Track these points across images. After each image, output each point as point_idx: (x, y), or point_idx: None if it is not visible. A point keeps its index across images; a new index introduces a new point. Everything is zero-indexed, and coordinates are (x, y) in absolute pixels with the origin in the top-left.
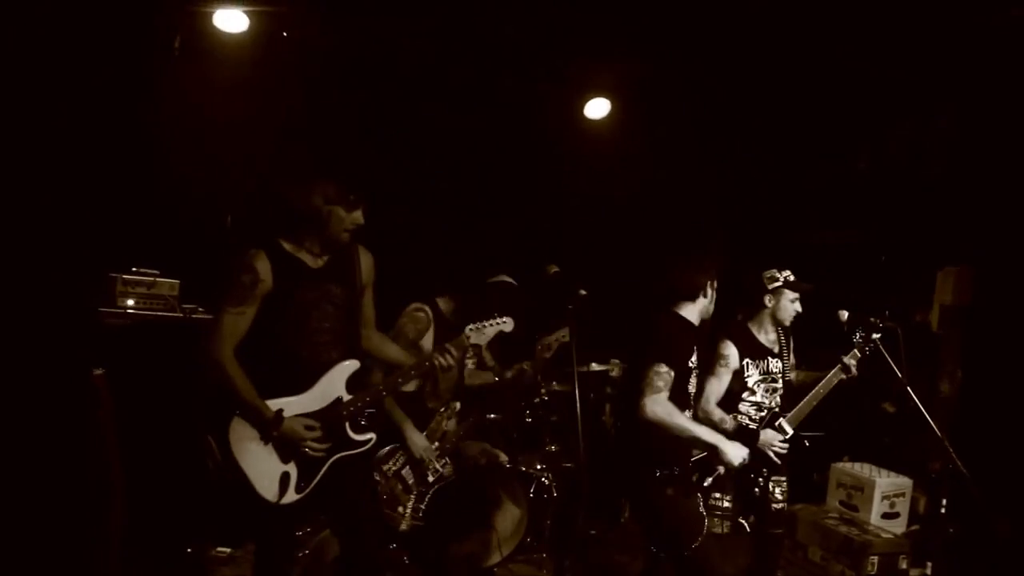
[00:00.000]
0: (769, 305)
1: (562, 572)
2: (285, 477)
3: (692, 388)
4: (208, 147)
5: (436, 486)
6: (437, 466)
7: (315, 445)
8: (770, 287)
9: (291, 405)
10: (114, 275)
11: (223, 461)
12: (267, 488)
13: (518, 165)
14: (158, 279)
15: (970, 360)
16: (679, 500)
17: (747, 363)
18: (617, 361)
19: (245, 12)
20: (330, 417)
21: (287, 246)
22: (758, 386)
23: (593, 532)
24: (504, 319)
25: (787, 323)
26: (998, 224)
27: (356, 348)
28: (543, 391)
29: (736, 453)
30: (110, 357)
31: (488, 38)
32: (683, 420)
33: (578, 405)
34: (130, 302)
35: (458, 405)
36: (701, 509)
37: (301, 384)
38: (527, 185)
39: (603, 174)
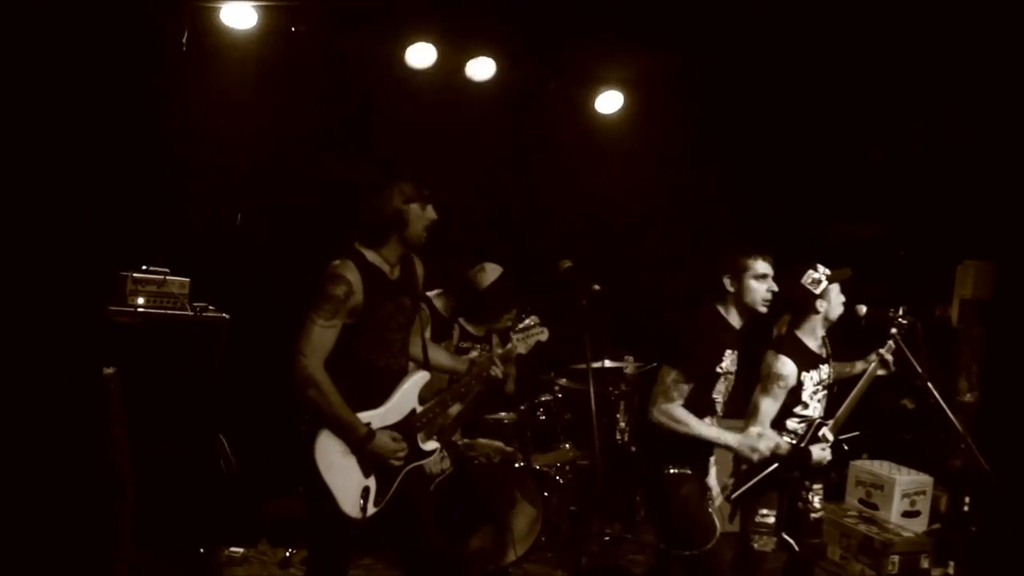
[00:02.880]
0: (822, 309)
1: (577, 572)
2: (366, 491)
3: (719, 395)
4: (219, 147)
5: (435, 480)
6: (443, 465)
7: (400, 458)
8: (818, 291)
9: (373, 419)
10: (124, 273)
11: (308, 477)
12: (351, 504)
13: (528, 160)
14: (168, 277)
15: (991, 355)
16: (692, 500)
17: (803, 377)
18: (631, 358)
19: (254, 7)
20: (406, 429)
21: (368, 255)
22: (811, 397)
23: (608, 531)
24: (541, 329)
25: (835, 320)
26: (1018, 218)
27: (415, 357)
28: (556, 389)
29: (749, 444)
30: (120, 355)
31: (500, 34)
32: (691, 425)
33: (593, 403)
34: (140, 300)
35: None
36: (712, 511)
37: (378, 397)
38: (537, 180)
39: (615, 168)
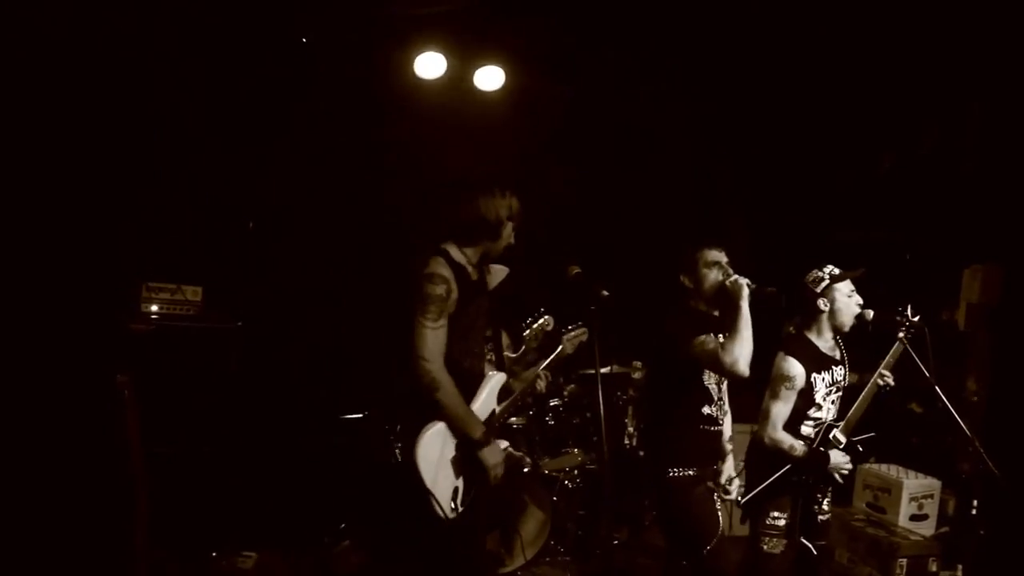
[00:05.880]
0: (825, 308)
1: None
2: (455, 492)
3: (710, 380)
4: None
5: None
6: None
7: (496, 476)
8: (819, 288)
9: None
10: (139, 281)
11: (409, 484)
12: (445, 504)
13: (537, 164)
14: (182, 285)
15: (998, 359)
16: (696, 500)
17: (814, 378)
18: (639, 363)
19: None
20: (489, 429)
21: (453, 252)
22: (824, 399)
23: (616, 536)
24: (583, 329)
25: (847, 324)
26: None
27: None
28: (564, 393)
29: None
30: (135, 362)
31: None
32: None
33: (601, 408)
34: (154, 308)
35: None
36: (718, 509)
37: (465, 397)
38: (547, 184)
39: (627, 173)
